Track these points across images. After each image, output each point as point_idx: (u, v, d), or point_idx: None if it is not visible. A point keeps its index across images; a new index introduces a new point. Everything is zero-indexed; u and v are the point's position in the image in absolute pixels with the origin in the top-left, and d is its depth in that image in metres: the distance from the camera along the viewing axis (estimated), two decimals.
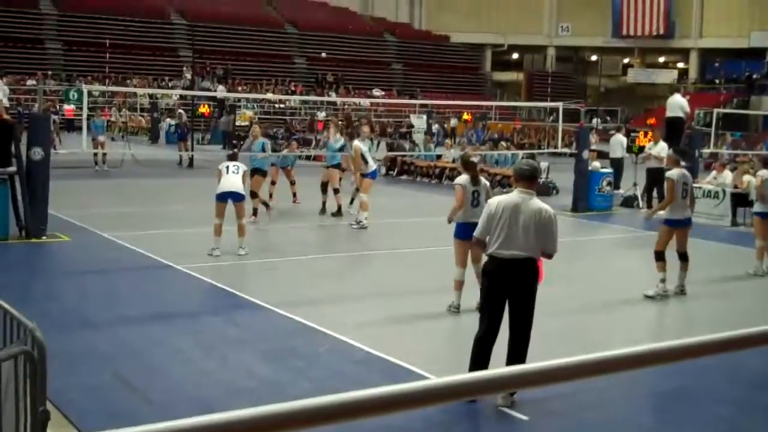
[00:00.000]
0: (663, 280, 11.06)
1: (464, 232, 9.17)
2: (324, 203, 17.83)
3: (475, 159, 10.43)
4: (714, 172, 20.09)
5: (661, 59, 65.10)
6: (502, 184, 23.79)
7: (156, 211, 15.03)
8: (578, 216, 18.99)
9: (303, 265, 12.82)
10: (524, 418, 6.71)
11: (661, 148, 19.90)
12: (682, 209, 11.19)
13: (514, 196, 6.95)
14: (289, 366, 7.90)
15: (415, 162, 27.04)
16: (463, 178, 9.96)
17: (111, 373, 7.52)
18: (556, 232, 6.96)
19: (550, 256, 7.00)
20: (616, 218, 19.39)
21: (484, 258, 7.32)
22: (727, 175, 19.19)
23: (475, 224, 7.41)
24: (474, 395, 1.83)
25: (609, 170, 20.86)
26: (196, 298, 10.63)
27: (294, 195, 18.99)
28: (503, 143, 28.47)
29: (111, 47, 47.07)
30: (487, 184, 10.09)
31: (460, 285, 9.80)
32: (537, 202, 6.92)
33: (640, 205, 20.60)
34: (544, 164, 22.63)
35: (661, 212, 11.67)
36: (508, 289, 6.86)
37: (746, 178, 18.84)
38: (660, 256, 11.14)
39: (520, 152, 25.80)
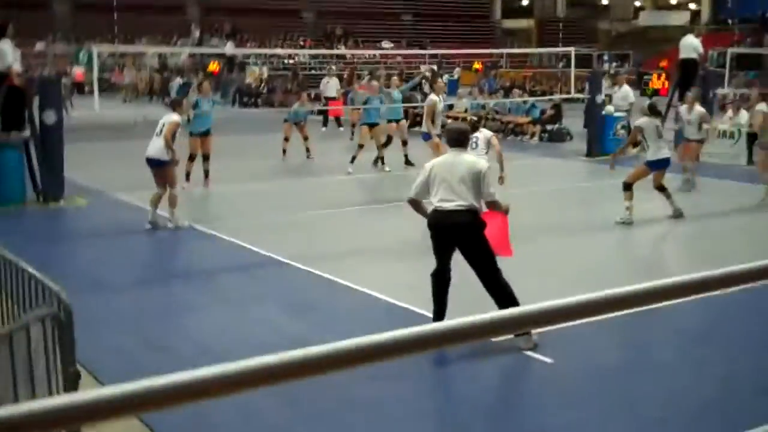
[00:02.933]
0: (628, 208, 12.05)
1: None
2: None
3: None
4: (729, 112, 19.93)
5: (673, 1, 64.18)
6: (515, 132, 23.70)
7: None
8: (592, 161, 18.92)
9: (321, 219, 12.85)
10: (549, 360, 6.77)
11: (625, 94, 20.08)
12: (659, 151, 12.24)
13: (447, 156, 7.47)
14: (312, 320, 7.98)
15: None
16: None
17: (134, 333, 7.61)
18: (491, 181, 7.29)
19: (494, 203, 7.38)
20: (631, 161, 19.27)
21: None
22: (743, 115, 19.02)
23: None
24: (489, 336, 1.85)
25: (623, 114, 20.69)
26: (215, 257, 10.68)
27: (308, 150, 18.95)
28: (516, 91, 28.24)
29: (118, 8, 46.79)
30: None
31: None
32: (470, 157, 7.49)
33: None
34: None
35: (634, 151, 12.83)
36: (454, 238, 7.20)
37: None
38: (628, 187, 12.14)
39: (532, 99, 25.63)
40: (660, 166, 12.29)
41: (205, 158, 15.28)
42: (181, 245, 11.37)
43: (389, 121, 18.12)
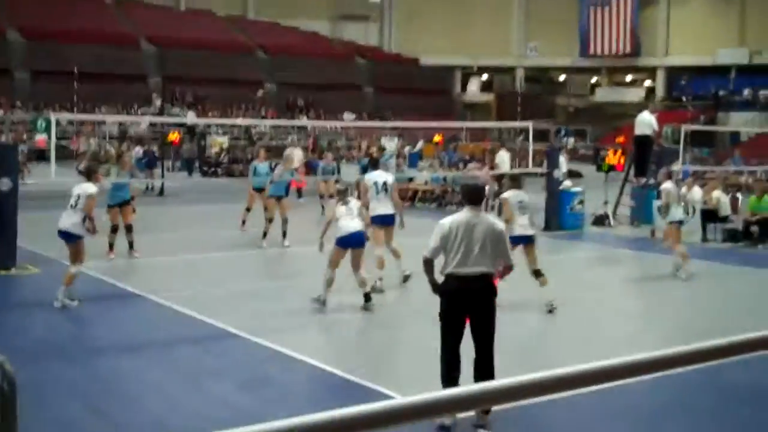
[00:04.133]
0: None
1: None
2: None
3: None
4: (683, 189, 20.25)
5: (629, 78, 65.78)
6: None
7: (125, 240, 14.88)
8: (550, 235, 19.05)
9: (273, 290, 12.72)
10: None
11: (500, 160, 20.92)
12: (523, 228, 11.28)
13: (465, 214, 6.97)
14: (265, 396, 7.82)
15: None
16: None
17: (83, 405, 7.41)
18: (508, 244, 7.15)
19: (511, 268, 7.20)
20: (587, 237, 19.49)
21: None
22: (696, 192, 19.35)
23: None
24: (448, 412, 1.80)
25: (580, 189, 20.94)
26: (166, 327, 10.50)
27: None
28: (475, 164, 28.51)
29: (79, 76, 46.82)
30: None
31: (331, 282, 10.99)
32: (487, 218, 7.10)
33: (611, 224, 20.71)
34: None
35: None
36: (469, 306, 6.87)
37: (716, 194, 19.05)
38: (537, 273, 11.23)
39: (491, 172, 25.89)
40: (524, 241, 11.24)
41: (128, 229, 15.04)
42: (133, 315, 11.17)
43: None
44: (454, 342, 6.90)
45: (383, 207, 12.35)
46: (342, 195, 11.39)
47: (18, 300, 12.26)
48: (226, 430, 1.36)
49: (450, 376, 6.87)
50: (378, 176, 12.69)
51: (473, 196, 7.05)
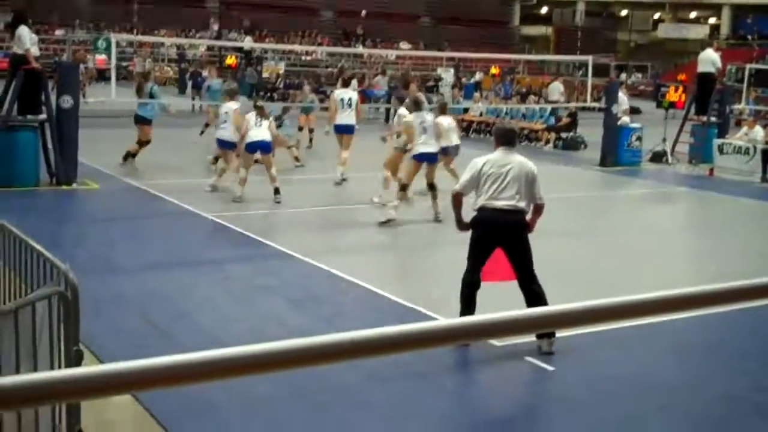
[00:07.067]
0: (396, 207, 11.91)
1: None
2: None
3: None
4: (745, 128, 19.85)
5: (693, 14, 64.00)
6: (529, 138, 23.64)
7: (184, 160, 15.11)
8: (606, 171, 18.86)
9: (329, 215, 12.84)
10: (550, 368, 6.75)
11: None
12: (425, 146, 12.06)
13: (499, 154, 7.28)
14: (317, 314, 7.97)
15: None
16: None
17: (139, 317, 7.62)
18: (539, 183, 7.26)
19: (542, 206, 7.30)
20: (644, 173, 19.24)
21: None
22: (758, 131, 18.95)
23: None
24: (502, 335, 1.83)
25: (638, 125, 20.63)
26: (224, 246, 10.70)
27: (310, 141, 19.61)
28: (532, 97, 28.23)
29: None
30: None
31: None
32: (520, 158, 7.32)
33: (669, 161, 20.42)
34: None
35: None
36: (501, 238, 7.11)
37: None
38: (404, 188, 12.06)
39: (549, 106, 25.59)
40: (426, 159, 12.19)
41: (140, 145, 15.85)
42: (191, 232, 11.38)
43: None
44: (475, 266, 7.17)
45: (347, 118, 15.05)
46: (260, 111, 13.36)
47: (79, 214, 12.56)
48: (279, 341, 1.39)
49: (469, 295, 7.09)
50: (345, 93, 15.32)
51: (506, 137, 7.39)
